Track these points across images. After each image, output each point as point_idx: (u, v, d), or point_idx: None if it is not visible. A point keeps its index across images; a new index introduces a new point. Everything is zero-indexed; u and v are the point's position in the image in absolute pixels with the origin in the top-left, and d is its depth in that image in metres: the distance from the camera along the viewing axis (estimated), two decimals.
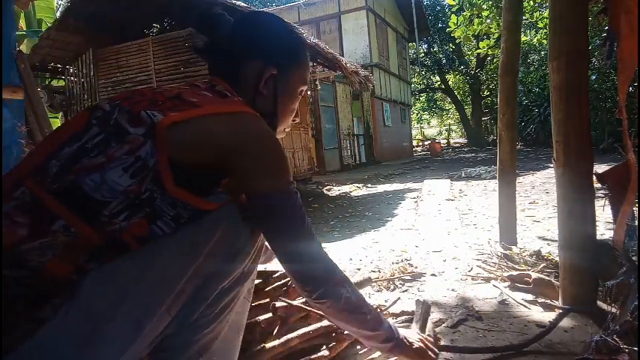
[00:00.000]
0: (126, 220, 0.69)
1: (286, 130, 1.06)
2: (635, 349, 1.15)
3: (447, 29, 8.71)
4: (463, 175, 8.27)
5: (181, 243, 0.73)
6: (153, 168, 0.71)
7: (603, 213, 1.69)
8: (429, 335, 1.27)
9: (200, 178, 0.76)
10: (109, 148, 0.72)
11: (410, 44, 20.93)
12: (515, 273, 1.89)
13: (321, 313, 0.93)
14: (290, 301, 1.33)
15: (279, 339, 1.26)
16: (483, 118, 25.96)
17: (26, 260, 0.65)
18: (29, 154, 0.78)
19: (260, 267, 1.55)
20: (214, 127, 0.78)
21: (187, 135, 0.75)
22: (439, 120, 38.54)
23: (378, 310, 1.61)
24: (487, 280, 1.98)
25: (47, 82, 6.75)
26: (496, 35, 6.86)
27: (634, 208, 1.42)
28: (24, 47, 6.87)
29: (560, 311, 1.50)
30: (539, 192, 5.17)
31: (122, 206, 0.69)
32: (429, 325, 1.42)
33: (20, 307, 0.65)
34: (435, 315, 1.62)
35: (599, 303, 1.53)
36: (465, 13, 7.23)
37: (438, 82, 26.83)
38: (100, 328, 0.67)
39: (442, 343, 1.38)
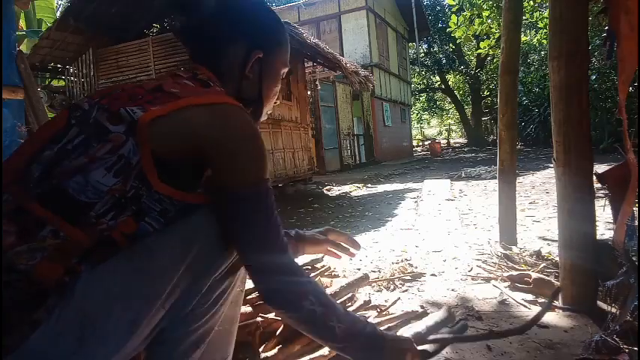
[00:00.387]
0: (113, 220, 0.69)
1: (268, 112, 1.04)
2: (635, 349, 1.15)
3: (447, 29, 8.71)
4: (463, 175, 8.27)
5: (172, 239, 0.73)
6: (137, 166, 0.71)
7: (603, 213, 1.70)
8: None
9: (185, 172, 0.76)
10: (90, 149, 0.71)
11: (410, 44, 20.93)
12: (515, 273, 1.89)
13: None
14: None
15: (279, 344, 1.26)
16: (483, 118, 25.98)
17: (15, 264, 0.65)
18: (9, 158, 0.76)
19: None
20: (194, 119, 0.75)
21: (168, 128, 0.74)
22: (439, 120, 38.56)
23: (378, 310, 1.61)
24: (487, 280, 1.98)
25: (47, 82, 6.75)
26: (497, 35, 6.86)
27: (634, 208, 1.42)
28: (24, 47, 6.89)
29: (563, 309, 1.51)
30: (539, 192, 5.17)
31: (108, 206, 0.69)
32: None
33: (13, 310, 0.65)
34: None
35: (599, 303, 1.53)
36: (465, 13, 7.23)
37: (438, 82, 26.85)
38: (95, 328, 0.67)
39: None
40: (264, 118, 1.02)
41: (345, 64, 7.37)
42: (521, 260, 2.14)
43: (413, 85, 24.01)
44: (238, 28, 0.91)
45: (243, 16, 0.93)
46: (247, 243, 0.78)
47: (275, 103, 1.03)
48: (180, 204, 0.74)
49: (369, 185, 8.16)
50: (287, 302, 0.80)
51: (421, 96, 29.46)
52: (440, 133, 39.79)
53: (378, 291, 1.96)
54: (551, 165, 1.66)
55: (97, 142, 0.72)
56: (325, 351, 1.27)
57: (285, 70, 1.00)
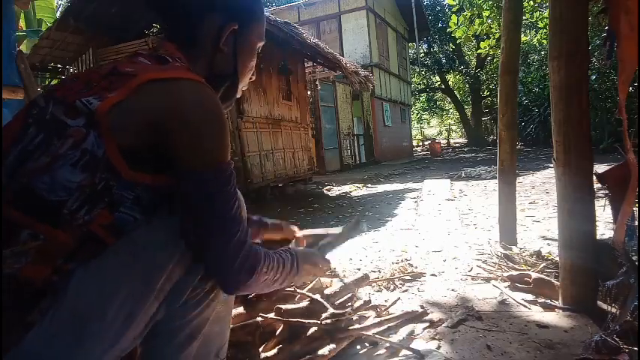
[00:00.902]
0: (88, 214, 0.69)
1: (243, 88, 1.00)
2: (635, 349, 1.15)
3: (447, 29, 8.72)
4: (463, 175, 8.27)
5: (160, 230, 0.73)
6: (103, 158, 0.69)
7: (603, 213, 1.70)
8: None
9: (153, 155, 0.73)
10: (52, 147, 0.70)
11: (410, 44, 20.93)
12: (515, 273, 1.89)
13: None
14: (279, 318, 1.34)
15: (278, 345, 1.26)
16: (483, 118, 25.99)
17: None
18: None
19: None
20: (149, 97, 0.72)
21: (126, 114, 0.71)
22: (439, 120, 38.57)
23: (378, 309, 1.60)
24: (487, 280, 1.98)
25: (47, 82, 6.75)
26: (497, 35, 6.86)
27: (634, 208, 1.42)
28: (24, 47, 6.88)
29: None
30: (539, 192, 5.17)
31: (80, 202, 0.68)
32: None
33: (6, 313, 0.65)
34: (435, 315, 1.62)
35: (599, 303, 1.53)
36: (465, 13, 7.23)
37: (438, 82, 26.85)
38: (90, 326, 0.67)
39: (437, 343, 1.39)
40: (239, 94, 0.98)
41: (345, 64, 7.36)
42: (521, 260, 2.14)
43: (413, 85, 24.00)
44: None
45: None
46: (206, 228, 0.74)
47: (250, 79, 1.00)
48: (153, 188, 0.73)
49: (369, 185, 8.16)
50: (248, 287, 0.81)
51: (421, 96, 29.46)
52: (440, 133, 39.78)
53: (378, 291, 1.96)
54: (551, 165, 1.66)
55: (58, 139, 0.70)
56: (326, 351, 1.27)
57: (261, 44, 0.97)
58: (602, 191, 1.57)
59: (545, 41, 7.59)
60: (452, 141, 32.91)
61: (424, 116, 35.45)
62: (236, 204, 0.77)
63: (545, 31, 7.24)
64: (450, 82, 26.30)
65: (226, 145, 0.77)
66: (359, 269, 2.30)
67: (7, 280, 0.65)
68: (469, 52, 23.01)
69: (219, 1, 0.87)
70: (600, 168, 1.69)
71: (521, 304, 1.66)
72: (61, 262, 0.67)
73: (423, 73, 25.87)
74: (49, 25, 6.76)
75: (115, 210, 0.71)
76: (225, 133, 0.77)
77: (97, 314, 0.67)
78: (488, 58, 19.01)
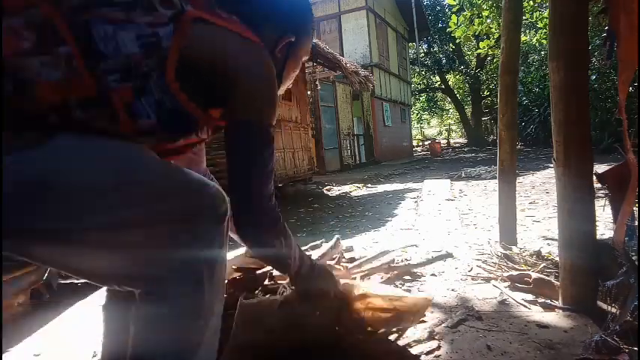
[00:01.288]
0: (116, 82, 0.71)
1: (281, 94, 1.11)
2: (635, 349, 1.15)
3: (447, 29, 8.71)
4: (463, 175, 8.28)
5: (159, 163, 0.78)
6: (164, 51, 0.74)
7: (603, 213, 1.70)
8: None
9: (197, 84, 0.79)
10: (133, 11, 0.73)
11: (410, 44, 20.93)
12: (515, 273, 1.89)
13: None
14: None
15: None
16: (483, 118, 26.00)
17: (21, 71, 0.67)
18: None
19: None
20: (233, 44, 0.82)
21: (206, 36, 0.78)
22: (439, 120, 38.58)
23: None
24: (487, 280, 1.98)
25: None
26: (496, 35, 6.86)
27: (634, 208, 1.42)
28: None
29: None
30: (539, 192, 5.17)
31: (118, 66, 0.71)
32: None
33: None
34: (435, 315, 1.62)
35: (599, 303, 1.53)
36: (465, 13, 7.23)
37: (438, 82, 26.86)
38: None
39: (438, 344, 1.39)
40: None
41: (345, 64, 7.37)
42: (521, 260, 2.14)
43: (413, 85, 24.00)
44: (279, 10, 0.98)
45: (286, 1, 1.00)
46: (245, 175, 0.84)
47: (288, 86, 1.11)
48: (178, 105, 0.77)
49: (369, 185, 8.17)
50: (264, 239, 0.89)
51: (421, 96, 29.46)
52: (440, 133, 39.80)
53: None
54: (551, 165, 1.66)
55: (142, 10, 0.74)
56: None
57: (306, 57, 1.09)
58: (602, 191, 1.57)
59: (545, 41, 7.58)
60: (452, 141, 32.92)
61: (424, 116, 35.44)
62: (272, 162, 0.86)
63: (545, 31, 7.23)
64: (450, 82, 26.30)
65: (277, 109, 0.88)
66: None
67: (20, 85, 0.67)
68: (469, 52, 23.03)
69: (283, 14, 0.99)
70: (600, 168, 1.69)
71: (521, 304, 1.66)
72: (73, 105, 0.69)
73: (423, 73, 25.87)
74: None
75: (138, 95, 0.73)
76: (277, 99, 0.88)
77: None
78: (488, 58, 19.00)
